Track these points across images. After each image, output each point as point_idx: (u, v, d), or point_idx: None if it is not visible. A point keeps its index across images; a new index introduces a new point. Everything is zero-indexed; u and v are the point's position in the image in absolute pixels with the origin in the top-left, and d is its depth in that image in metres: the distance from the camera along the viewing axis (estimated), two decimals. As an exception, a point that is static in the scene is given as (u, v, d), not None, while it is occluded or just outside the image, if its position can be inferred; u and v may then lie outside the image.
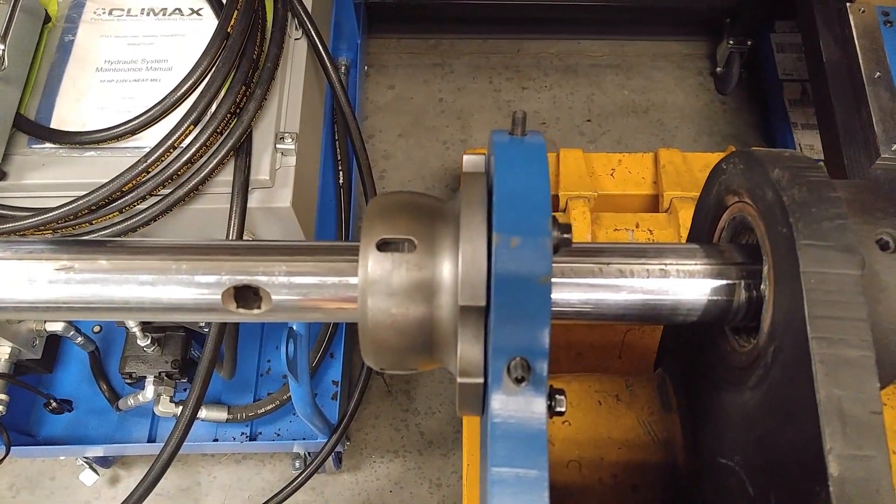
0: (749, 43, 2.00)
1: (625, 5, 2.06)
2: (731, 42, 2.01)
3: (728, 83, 2.07)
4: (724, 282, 0.56)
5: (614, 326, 1.14)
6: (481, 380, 0.49)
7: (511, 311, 0.47)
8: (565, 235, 0.49)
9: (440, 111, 2.12)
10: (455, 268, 0.50)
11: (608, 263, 0.56)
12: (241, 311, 0.53)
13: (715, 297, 0.56)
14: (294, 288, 0.53)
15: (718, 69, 2.11)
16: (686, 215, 1.43)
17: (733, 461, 0.57)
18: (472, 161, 0.55)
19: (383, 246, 0.51)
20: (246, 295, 0.54)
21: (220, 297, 0.53)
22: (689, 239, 0.71)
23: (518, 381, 0.46)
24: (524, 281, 0.46)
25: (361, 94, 2.02)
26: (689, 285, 0.56)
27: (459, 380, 0.49)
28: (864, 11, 1.27)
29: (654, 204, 1.55)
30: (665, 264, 0.56)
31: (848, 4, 1.29)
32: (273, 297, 0.53)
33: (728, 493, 0.58)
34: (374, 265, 0.50)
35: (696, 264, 0.57)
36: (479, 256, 0.47)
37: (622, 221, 1.47)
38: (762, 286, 0.54)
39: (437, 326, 0.51)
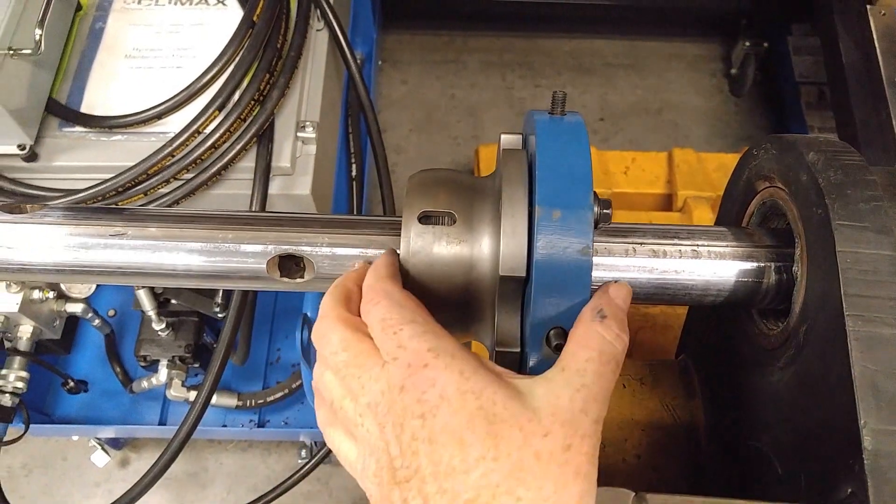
0: (765, 45, 2.01)
1: (639, 5, 2.07)
2: (747, 44, 2.02)
3: (743, 85, 2.08)
4: (755, 264, 0.57)
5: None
6: (518, 349, 0.50)
7: (551, 281, 0.48)
8: (605, 211, 0.50)
9: (452, 107, 2.13)
10: (493, 241, 0.51)
11: (641, 244, 0.57)
12: (285, 279, 0.54)
13: (745, 279, 0.57)
14: (337, 259, 0.54)
15: (733, 70, 2.11)
16: (700, 215, 1.44)
17: (760, 441, 0.58)
18: (509, 139, 0.56)
19: (424, 219, 0.52)
20: (289, 265, 0.55)
21: (265, 265, 0.54)
22: (717, 225, 0.71)
23: (557, 349, 0.47)
24: (565, 252, 0.47)
25: (375, 88, 2.04)
26: (721, 266, 0.57)
27: (497, 349, 0.50)
28: (884, 14, 1.28)
29: (667, 203, 1.56)
30: (697, 245, 0.57)
31: (868, 7, 1.29)
32: (316, 266, 0.54)
33: (754, 472, 0.59)
34: (416, 237, 0.51)
35: (727, 246, 0.58)
36: (520, 228, 0.48)
37: (635, 220, 1.48)
38: (794, 268, 0.55)
39: (475, 299, 0.52)
